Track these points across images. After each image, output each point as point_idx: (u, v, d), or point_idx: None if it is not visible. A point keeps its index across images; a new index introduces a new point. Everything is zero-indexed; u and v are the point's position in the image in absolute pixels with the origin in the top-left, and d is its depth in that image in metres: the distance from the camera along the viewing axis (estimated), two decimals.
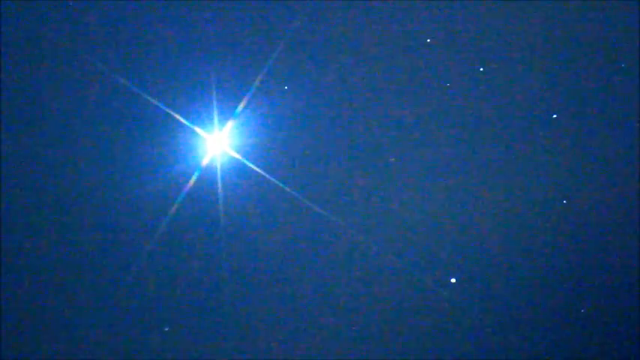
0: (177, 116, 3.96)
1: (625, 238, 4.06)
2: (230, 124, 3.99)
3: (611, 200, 4.07)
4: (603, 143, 4.08)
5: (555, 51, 4.08)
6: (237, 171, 3.99)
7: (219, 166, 3.99)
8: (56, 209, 3.96)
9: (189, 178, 3.97)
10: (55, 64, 3.97)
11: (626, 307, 4.04)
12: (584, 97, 4.09)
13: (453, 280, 4.03)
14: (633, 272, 4.04)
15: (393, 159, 4.01)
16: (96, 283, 3.99)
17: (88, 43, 3.98)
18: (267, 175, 3.99)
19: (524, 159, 4.06)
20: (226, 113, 3.99)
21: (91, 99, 3.97)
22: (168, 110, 3.96)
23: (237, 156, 4.00)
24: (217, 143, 3.99)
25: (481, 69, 4.05)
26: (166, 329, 4.01)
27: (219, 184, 3.98)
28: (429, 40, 4.05)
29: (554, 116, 4.05)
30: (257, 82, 3.99)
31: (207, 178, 3.98)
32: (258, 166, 3.99)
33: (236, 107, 3.98)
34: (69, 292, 3.98)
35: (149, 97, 3.95)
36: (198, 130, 3.98)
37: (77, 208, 3.98)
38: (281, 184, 3.99)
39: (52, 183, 3.96)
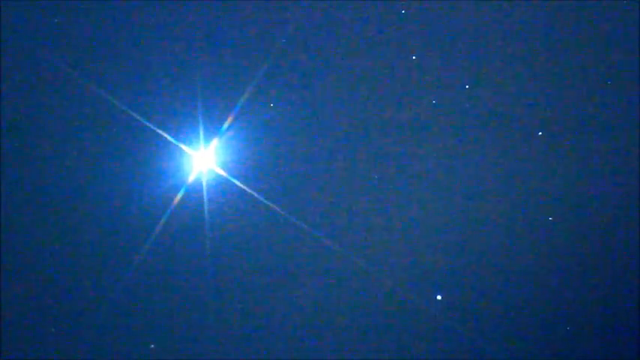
0: (163, 133, 3.96)
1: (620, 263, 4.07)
2: (216, 142, 3.99)
3: (603, 222, 4.07)
4: (590, 158, 4.09)
5: (543, 64, 4.10)
6: (223, 188, 3.99)
7: (205, 184, 4.00)
8: (42, 225, 3.96)
9: (175, 195, 3.97)
10: (40, 80, 3.98)
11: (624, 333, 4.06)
12: (571, 111, 4.10)
13: (439, 297, 4.03)
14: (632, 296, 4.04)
15: (376, 176, 4.02)
16: (83, 299, 3.99)
17: (74, 59, 3.98)
18: (253, 193, 3.99)
19: (509, 179, 4.06)
20: (212, 130, 3.99)
21: (77, 116, 3.97)
22: (153, 127, 3.96)
23: (223, 173, 4.00)
24: (203, 160, 4.00)
25: (467, 86, 4.06)
26: (152, 346, 4.00)
27: (205, 202, 3.98)
28: (414, 57, 4.06)
29: (540, 133, 4.06)
30: (243, 100, 3.99)
31: (193, 195, 3.99)
32: (244, 184, 3.99)
33: (222, 124, 3.99)
34: (56, 308, 3.98)
35: (135, 115, 3.96)
36: (184, 147, 3.98)
37: (63, 225, 3.98)
38: (267, 202, 3.99)
39: (37, 199, 3.96)
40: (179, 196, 3.97)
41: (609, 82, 4.08)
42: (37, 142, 3.98)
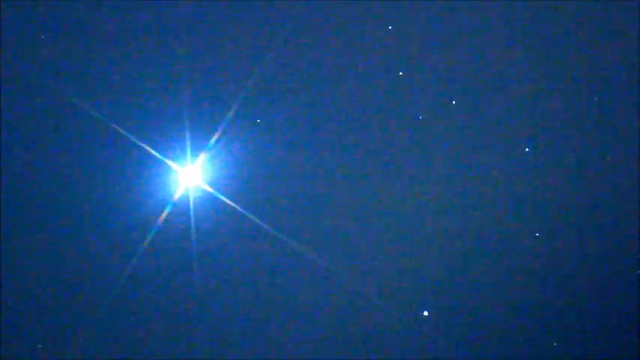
0: (150, 149, 3.96)
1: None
2: (202, 157, 3.99)
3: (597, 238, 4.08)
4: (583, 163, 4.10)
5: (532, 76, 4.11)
6: (210, 204, 3.99)
7: (191, 200, 3.99)
8: (28, 242, 3.96)
9: (162, 211, 3.96)
10: (23, 95, 3.98)
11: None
12: (557, 127, 4.11)
13: (426, 313, 4.03)
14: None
15: (363, 193, 4.03)
16: (70, 316, 3.98)
17: (60, 74, 3.99)
18: (239, 209, 3.99)
19: (493, 197, 4.07)
20: (199, 146, 3.99)
21: (62, 131, 3.98)
22: (140, 143, 3.96)
23: (210, 189, 4.00)
24: (190, 176, 3.99)
25: (453, 102, 4.06)
26: None
27: (192, 218, 3.98)
28: (401, 73, 4.06)
29: (527, 149, 4.06)
30: (229, 116, 3.99)
31: (180, 211, 3.98)
32: (230, 200, 3.99)
33: (209, 140, 3.99)
34: (42, 327, 3.98)
35: (121, 130, 3.96)
36: (170, 163, 3.98)
37: (50, 242, 3.98)
38: (253, 217, 3.99)
39: (23, 215, 3.96)
40: (166, 212, 3.96)
41: (596, 99, 4.10)
42: (22, 157, 3.98)
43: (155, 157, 3.96)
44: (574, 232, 4.07)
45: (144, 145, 3.96)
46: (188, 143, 3.98)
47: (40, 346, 3.99)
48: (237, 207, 3.99)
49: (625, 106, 4.10)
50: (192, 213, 3.98)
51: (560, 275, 4.09)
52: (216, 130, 3.99)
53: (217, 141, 3.99)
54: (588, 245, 4.05)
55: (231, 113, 3.99)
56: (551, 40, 4.10)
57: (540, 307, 4.07)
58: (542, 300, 4.06)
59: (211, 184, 4.00)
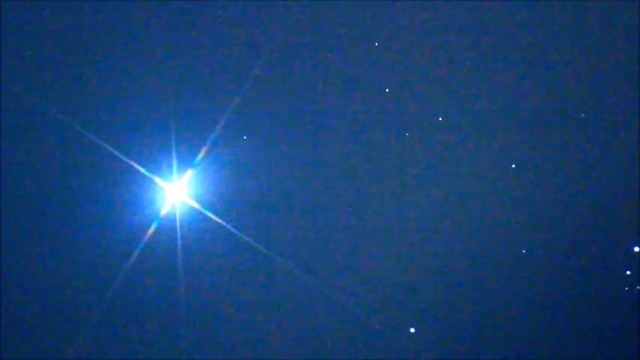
0: (136, 166, 3.98)
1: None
2: (189, 174, 4.01)
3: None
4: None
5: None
6: (196, 220, 4.01)
7: (178, 215, 4.01)
8: (13, 258, 3.99)
9: (149, 227, 3.98)
10: (9, 112, 4.01)
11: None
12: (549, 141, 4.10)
13: (412, 330, 4.02)
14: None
15: (349, 207, 4.03)
16: (57, 332, 4.00)
17: (48, 92, 4.02)
18: (225, 224, 4.00)
19: (479, 214, 4.06)
20: (185, 163, 4.01)
21: (49, 149, 4.00)
22: (127, 160, 3.98)
23: (196, 205, 4.01)
24: (176, 192, 4.01)
25: (440, 119, 4.06)
26: None
27: (179, 233, 4.00)
28: (387, 90, 4.06)
29: (513, 165, 4.05)
30: (216, 132, 4.01)
31: (166, 227, 4.00)
32: (216, 215, 4.00)
33: (195, 157, 4.00)
34: (30, 341, 4.00)
35: (108, 147, 3.98)
36: (157, 179, 4.00)
37: (37, 257, 4.00)
38: (239, 233, 4.00)
39: (9, 231, 3.99)
40: (152, 227, 3.98)
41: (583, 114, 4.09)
42: (9, 173, 4.01)
43: (142, 173, 3.98)
44: (563, 248, 4.05)
45: (131, 162, 3.98)
46: (175, 159, 3.99)
47: None
48: (224, 222, 4.00)
49: (617, 119, 4.08)
50: (178, 228, 4.00)
51: (551, 292, 4.06)
52: (203, 147, 4.00)
53: (204, 157, 4.00)
54: (579, 263, 4.03)
55: (217, 130, 4.01)
56: (540, 56, 4.10)
57: (531, 323, 4.05)
58: (533, 316, 4.05)
59: (198, 200, 4.01)
